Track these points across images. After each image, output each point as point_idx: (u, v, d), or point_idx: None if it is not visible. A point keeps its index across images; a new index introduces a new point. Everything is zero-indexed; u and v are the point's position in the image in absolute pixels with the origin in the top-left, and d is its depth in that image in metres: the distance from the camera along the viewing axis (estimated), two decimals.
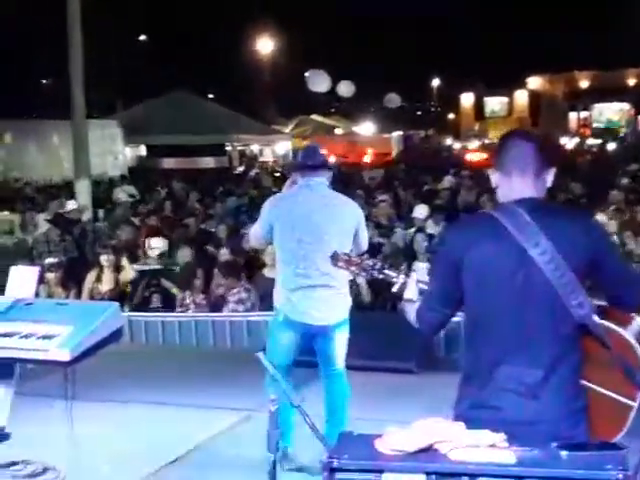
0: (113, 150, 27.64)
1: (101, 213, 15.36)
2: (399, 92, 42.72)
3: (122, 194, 16.60)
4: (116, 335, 4.67)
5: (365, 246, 5.36)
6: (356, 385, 5.50)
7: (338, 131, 49.90)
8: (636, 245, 9.52)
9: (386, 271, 3.28)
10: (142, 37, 50.64)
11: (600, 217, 10.03)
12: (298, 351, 5.32)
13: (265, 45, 44.70)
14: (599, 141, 45.56)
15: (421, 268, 3.38)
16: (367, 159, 36.59)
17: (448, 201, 14.37)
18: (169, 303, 9.45)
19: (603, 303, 3.02)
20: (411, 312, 3.17)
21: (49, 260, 9.94)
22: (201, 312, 9.04)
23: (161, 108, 31.43)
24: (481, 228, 3.00)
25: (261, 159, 37.51)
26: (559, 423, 2.85)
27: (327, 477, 2.61)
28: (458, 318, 3.19)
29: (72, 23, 15.32)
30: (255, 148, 38.98)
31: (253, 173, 26.99)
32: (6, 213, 14.67)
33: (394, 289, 3.24)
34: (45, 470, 5.04)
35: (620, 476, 2.48)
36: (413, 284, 3.20)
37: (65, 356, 4.33)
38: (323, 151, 5.75)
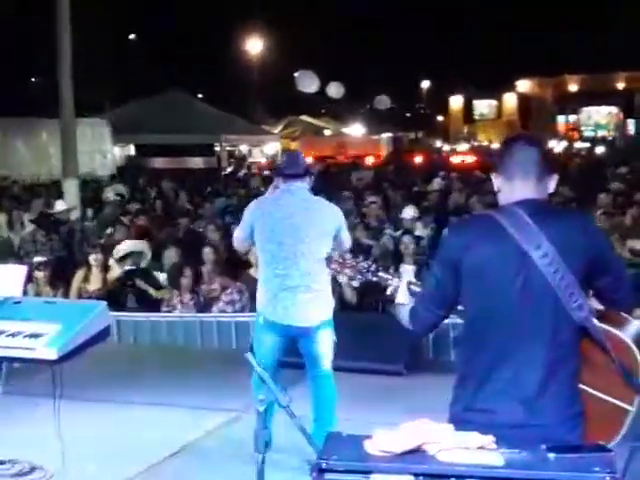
0: (102, 149, 27.48)
1: (90, 212, 15.26)
2: (389, 94, 42.72)
3: (111, 193, 16.51)
4: (104, 334, 4.68)
5: (348, 245, 5.40)
6: (345, 387, 5.51)
7: (327, 132, 49.94)
8: (622, 249, 9.54)
9: (380, 274, 3.29)
10: (132, 36, 50.62)
11: None
12: (282, 352, 5.35)
13: (254, 45, 44.68)
14: (588, 145, 45.74)
15: (408, 270, 3.38)
16: (356, 160, 36.56)
17: (437, 203, 14.35)
18: (145, 303, 9.39)
19: (598, 306, 3.00)
20: (403, 313, 3.16)
21: (38, 259, 9.87)
22: (188, 312, 9.01)
23: (150, 108, 31.30)
24: (481, 229, 2.97)
25: (250, 159, 37.46)
26: (555, 428, 2.82)
27: (316, 478, 2.61)
28: (447, 320, 3.17)
29: (61, 22, 15.27)
30: (244, 148, 38.94)
31: (242, 173, 26.95)
32: None
33: (388, 292, 3.25)
34: (32, 469, 5.03)
35: (608, 478, 2.47)
36: (404, 287, 3.21)
37: (52, 355, 4.33)
38: (308, 157, 5.76)
